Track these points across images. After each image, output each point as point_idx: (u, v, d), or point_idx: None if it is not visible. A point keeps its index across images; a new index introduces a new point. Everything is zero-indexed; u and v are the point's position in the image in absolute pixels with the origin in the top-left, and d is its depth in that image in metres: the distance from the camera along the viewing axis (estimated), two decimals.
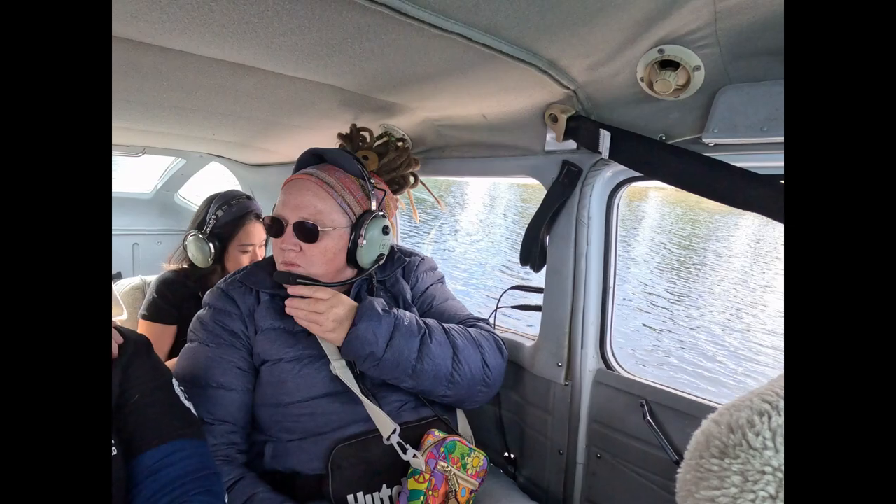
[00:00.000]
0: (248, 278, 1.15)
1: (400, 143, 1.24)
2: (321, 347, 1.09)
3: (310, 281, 1.07)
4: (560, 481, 1.25)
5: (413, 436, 1.07)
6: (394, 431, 1.02)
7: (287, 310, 1.05)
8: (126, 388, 0.85)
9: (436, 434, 1.06)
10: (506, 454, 1.39)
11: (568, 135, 1.08)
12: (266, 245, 1.81)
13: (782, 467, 0.40)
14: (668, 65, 0.87)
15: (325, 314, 1.02)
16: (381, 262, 1.17)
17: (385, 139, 1.33)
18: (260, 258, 1.77)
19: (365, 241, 1.10)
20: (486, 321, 1.27)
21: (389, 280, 1.24)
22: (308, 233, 1.06)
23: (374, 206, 1.13)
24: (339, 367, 1.07)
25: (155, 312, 1.63)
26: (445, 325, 1.14)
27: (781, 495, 0.38)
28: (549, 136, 1.15)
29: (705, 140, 0.89)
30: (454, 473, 1.02)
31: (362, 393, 1.06)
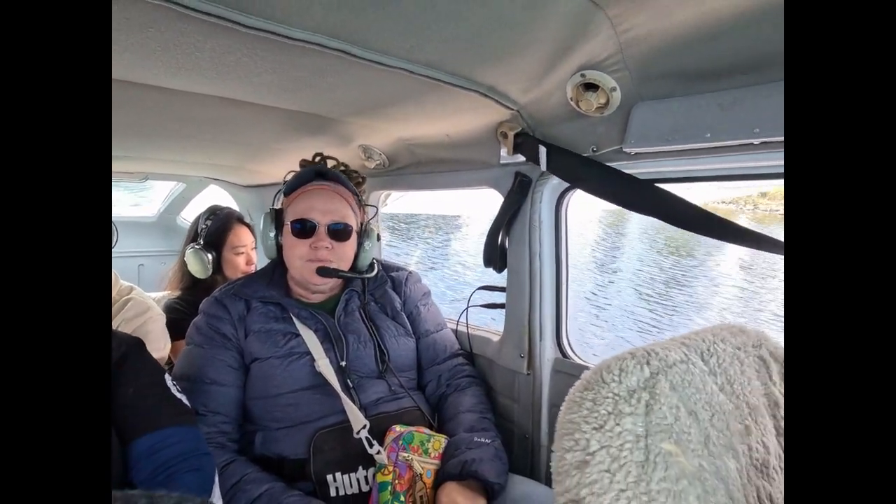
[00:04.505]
0: (243, 290, 1.30)
1: (355, 174, 1.39)
2: (307, 346, 1.22)
3: (345, 273, 1.27)
4: (527, 465, 1.36)
5: (390, 425, 1.19)
6: (363, 427, 1.13)
7: None
8: (119, 384, 0.95)
9: (395, 430, 1.17)
10: None
11: (516, 149, 1.22)
12: (256, 248, 1.96)
13: (620, 392, 0.53)
14: (591, 87, 1.01)
15: None
16: (371, 266, 1.36)
17: (342, 169, 1.44)
18: (254, 259, 1.93)
19: (369, 246, 1.31)
20: (465, 354, 1.45)
21: (378, 292, 1.39)
22: (342, 233, 1.26)
23: (364, 218, 1.31)
24: (323, 365, 1.20)
25: (179, 331, 1.74)
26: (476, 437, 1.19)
27: (617, 409, 0.51)
28: (503, 151, 1.29)
29: (626, 150, 1.02)
30: (416, 460, 1.13)
31: (342, 387, 1.19)
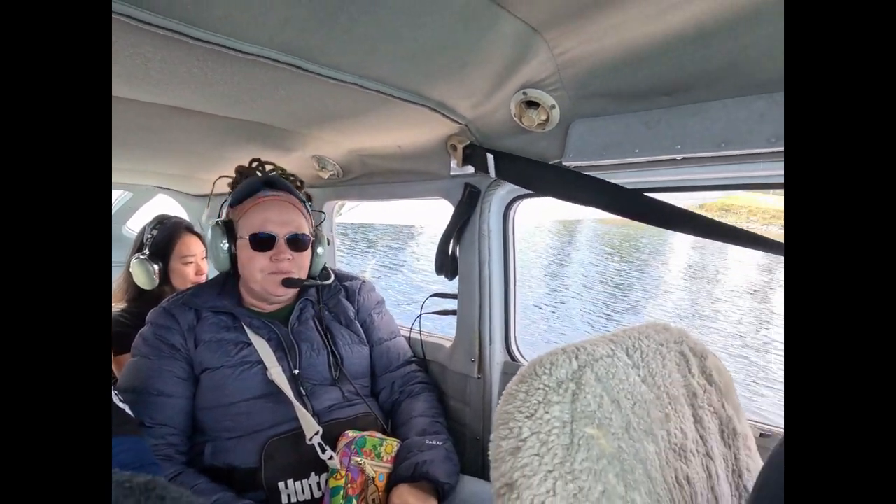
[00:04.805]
0: (193, 299, 1.29)
1: (292, 178, 1.41)
2: (259, 355, 1.22)
3: (309, 282, 1.31)
4: (478, 465, 1.40)
5: (343, 431, 1.21)
6: (316, 433, 1.14)
7: None
8: None
9: (348, 435, 1.18)
10: None
11: (465, 161, 1.27)
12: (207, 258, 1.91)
13: (550, 383, 0.58)
14: (532, 104, 1.07)
15: None
16: (328, 274, 1.39)
17: (281, 173, 1.45)
18: (204, 269, 1.89)
19: (321, 252, 1.34)
20: (418, 361, 1.48)
21: (331, 301, 1.41)
22: (300, 243, 1.28)
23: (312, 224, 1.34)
24: (276, 374, 1.21)
25: (123, 345, 1.68)
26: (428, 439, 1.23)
27: (547, 398, 0.56)
28: (453, 163, 1.34)
29: (565, 163, 1.10)
30: (368, 464, 1.15)
31: (295, 395, 1.19)
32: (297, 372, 1.25)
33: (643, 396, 0.68)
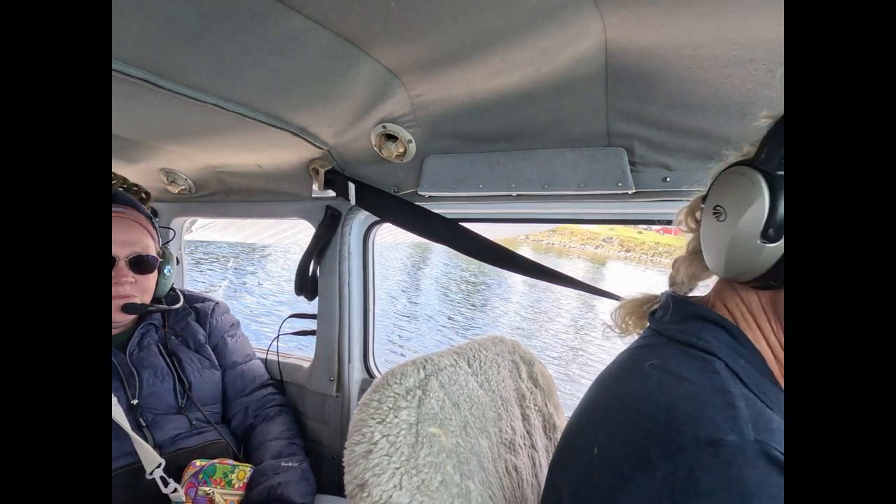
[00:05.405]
0: None
1: (135, 188, 1.34)
2: None
3: (154, 308, 1.22)
4: (335, 484, 1.42)
5: (190, 461, 1.15)
6: (158, 466, 1.07)
7: None
8: None
9: (196, 464, 1.14)
10: None
11: (327, 185, 1.32)
12: None
13: (400, 391, 0.66)
14: (391, 137, 1.17)
15: None
16: (176, 297, 1.33)
17: (124, 186, 1.37)
18: None
19: (169, 272, 1.28)
20: (275, 383, 1.46)
21: (179, 325, 1.33)
22: (147, 265, 1.19)
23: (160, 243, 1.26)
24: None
25: None
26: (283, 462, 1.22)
27: (396, 405, 0.64)
28: (314, 186, 1.37)
29: (420, 192, 1.21)
30: (218, 493, 1.11)
31: (133, 427, 1.11)
32: (135, 402, 1.16)
33: (480, 399, 0.79)
